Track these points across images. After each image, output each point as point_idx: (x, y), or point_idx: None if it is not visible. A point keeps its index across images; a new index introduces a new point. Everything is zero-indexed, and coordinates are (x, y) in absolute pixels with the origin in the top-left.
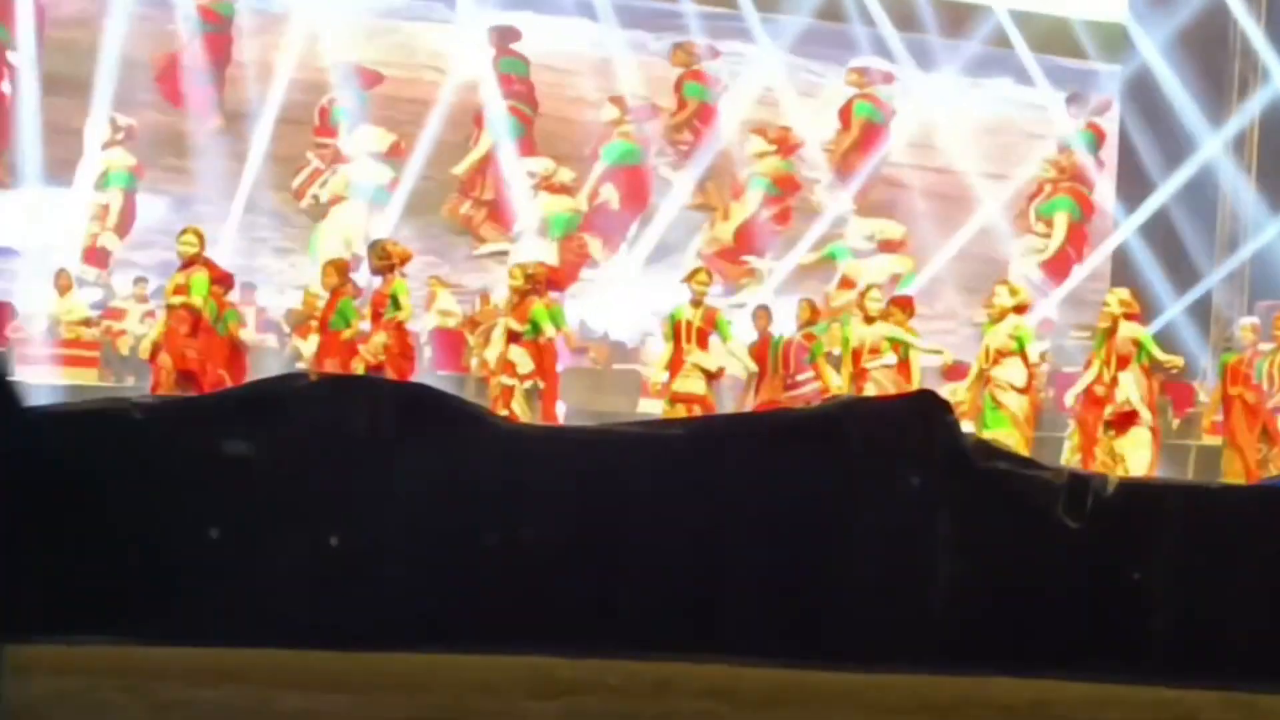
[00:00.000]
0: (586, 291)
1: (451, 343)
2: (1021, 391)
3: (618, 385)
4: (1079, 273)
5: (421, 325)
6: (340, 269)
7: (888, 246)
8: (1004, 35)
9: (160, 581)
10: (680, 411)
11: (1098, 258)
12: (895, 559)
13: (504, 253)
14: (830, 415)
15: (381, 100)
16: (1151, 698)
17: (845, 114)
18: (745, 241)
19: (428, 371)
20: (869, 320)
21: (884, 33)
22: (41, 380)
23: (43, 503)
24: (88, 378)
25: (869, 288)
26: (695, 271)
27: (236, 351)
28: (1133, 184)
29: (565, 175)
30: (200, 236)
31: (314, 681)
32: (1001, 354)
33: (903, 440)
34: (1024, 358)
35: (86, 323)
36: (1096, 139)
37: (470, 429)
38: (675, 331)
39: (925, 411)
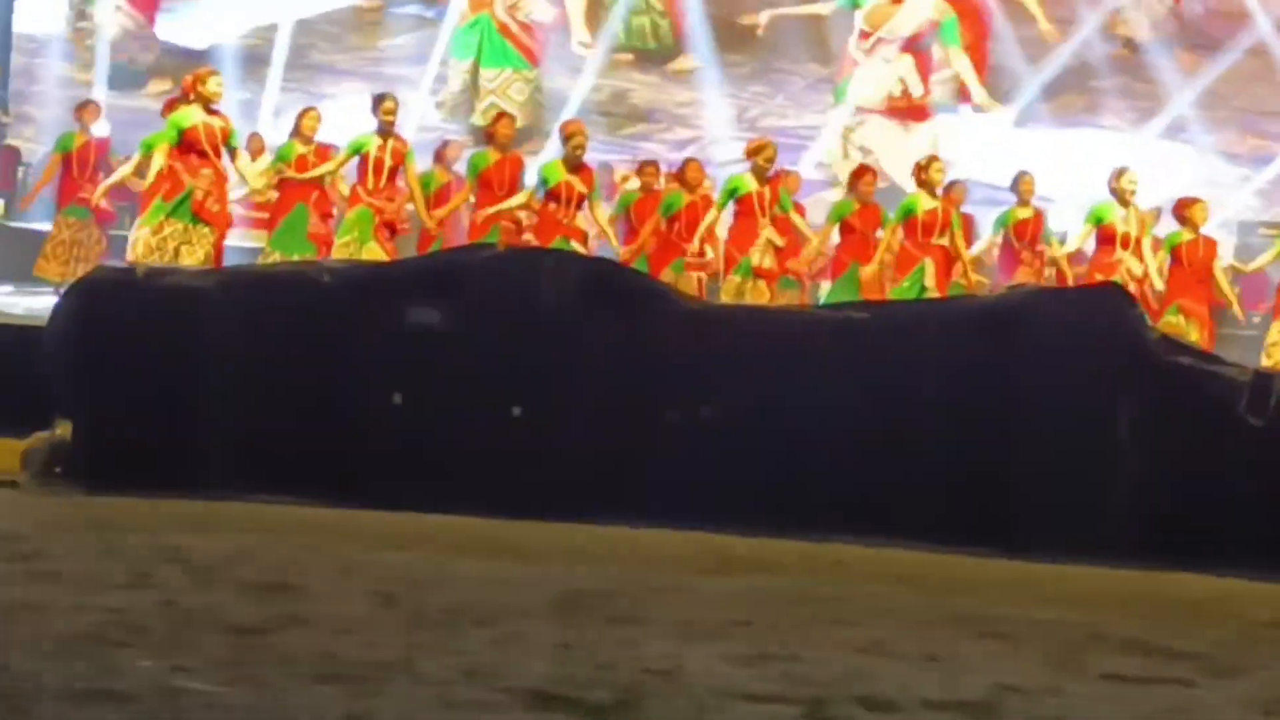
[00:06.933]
0: None
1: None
2: None
3: None
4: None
5: None
6: None
7: None
8: None
9: (346, 446)
10: None
11: None
12: (1077, 450)
13: None
14: (1016, 304)
15: None
16: None
17: None
18: None
19: None
20: None
21: None
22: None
23: (232, 364)
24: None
25: None
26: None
27: None
28: None
29: None
30: None
31: (493, 549)
32: None
33: (1087, 331)
34: None
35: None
36: None
37: (655, 305)
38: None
39: (1111, 304)
